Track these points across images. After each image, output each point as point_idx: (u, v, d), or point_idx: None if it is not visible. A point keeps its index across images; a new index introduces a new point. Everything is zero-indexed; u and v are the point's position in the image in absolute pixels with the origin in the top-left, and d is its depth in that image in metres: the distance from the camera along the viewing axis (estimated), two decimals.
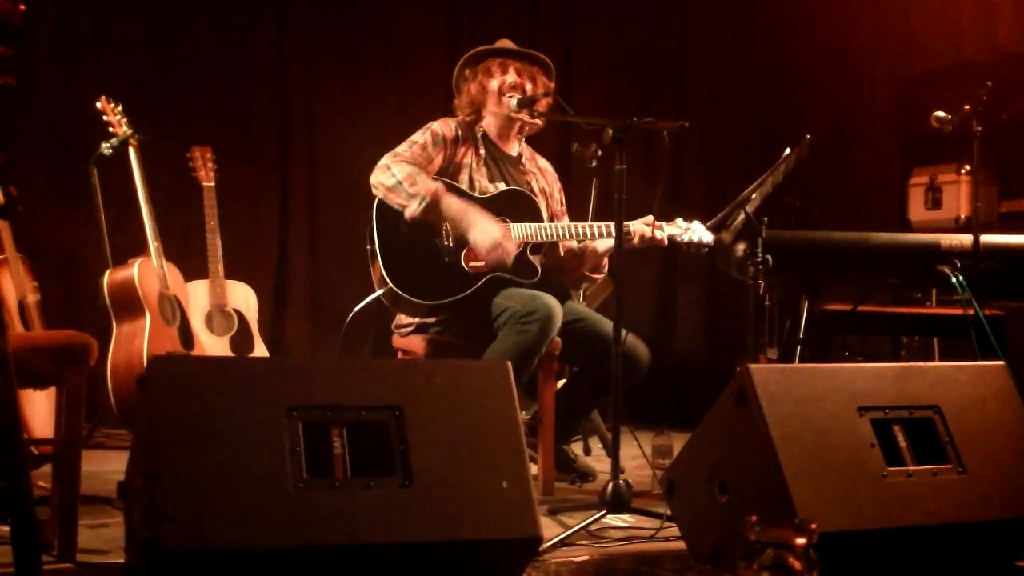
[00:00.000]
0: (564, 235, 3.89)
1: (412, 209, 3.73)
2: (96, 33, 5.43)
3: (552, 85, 4.05)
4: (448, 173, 3.91)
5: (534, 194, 4.00)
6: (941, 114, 4.20)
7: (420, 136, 3.91)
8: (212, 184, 4.73)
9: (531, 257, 3.89)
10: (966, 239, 4.04)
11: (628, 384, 3.70)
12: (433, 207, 3.73)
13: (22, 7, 2.22)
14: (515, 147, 4.10)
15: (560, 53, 6.31)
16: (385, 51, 6.00)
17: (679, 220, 3.94)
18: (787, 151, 3.73)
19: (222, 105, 5.68)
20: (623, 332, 3.32)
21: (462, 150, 3.95)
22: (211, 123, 5.55)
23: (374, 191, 3.80)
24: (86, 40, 5.42)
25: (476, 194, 3.89)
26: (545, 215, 3.99)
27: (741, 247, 3.75)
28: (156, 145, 4.66)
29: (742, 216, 3.68)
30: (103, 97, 4.46)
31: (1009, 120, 5.26)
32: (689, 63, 6.70)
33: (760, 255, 3.62)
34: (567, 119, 4.47)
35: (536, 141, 4.28)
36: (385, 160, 3.82)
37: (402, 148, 3.86)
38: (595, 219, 4.56)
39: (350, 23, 5.98)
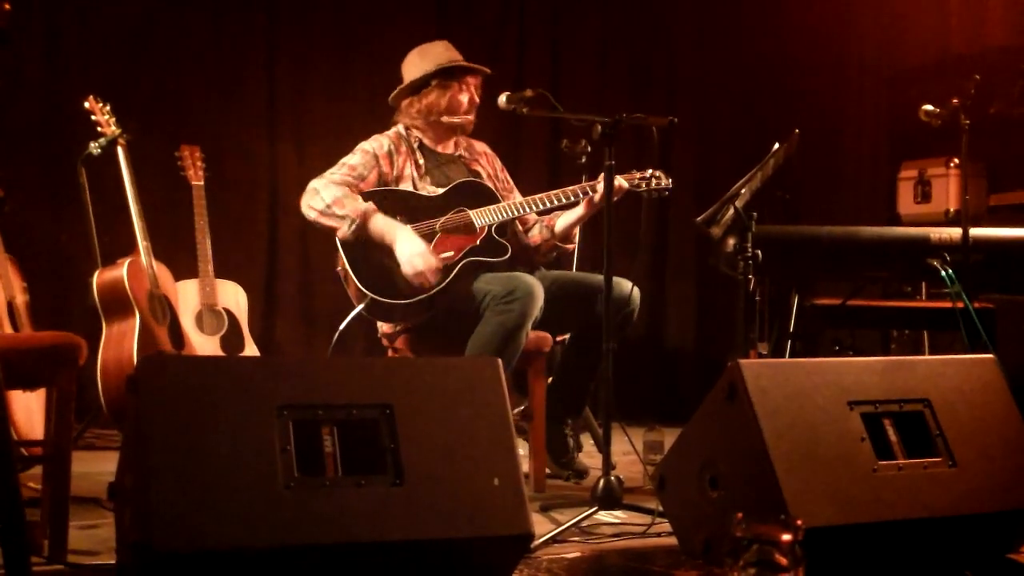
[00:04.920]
0: (524, 210, 3.90)
1: (343, 231, 3.77)
2: (84, 32, 5.41)
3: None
4: (389, 186, 3.94)
5: (482, 180, 4.02)
6: (929, 108, 4.21)
7: (351, 157, 3.94)
8: (201, 183, 4.72)
9: (498, 238, 3.89)
10: (955, 232, 4.05)
11: (624, 328, 3.76)
12: (361, 229, 3.77)
13: (7, 7, 2.21)
14: (450, 146, 4.12)
15: (549, 49, 6.32)
16: (374, 50, 5.98)
17: (634, 171, 3.94)
18: (776, 146, 3.73)
19: (211, 104, 5.66)
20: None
21: (400, 162, 3.96)
22: (200, 122, 5.54)
23: (306, 214, 3.84)
24: (74, 39, 5.40)
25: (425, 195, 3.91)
26: (499, 197, 4.01)
27: (731, 242, 3.76)
28: (145, 144, 4.65)
29: (731, 211, 3.68)
30: (91, 96, 4.45)
31: (997, 113, 5.29)
32: (678, 59, 6.70)
33: (750, 250, 3.62)
34: (556, 115, 4.46)
35: (525, 138, 4.28)
36: (313, 184, 3.86)
37: (331, 171, 3.90)
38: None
39: (339, 21, 5.97)
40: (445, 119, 4.02)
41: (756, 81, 6.64)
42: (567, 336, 4.14)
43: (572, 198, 3.90)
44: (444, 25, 6.12)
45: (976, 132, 4.17)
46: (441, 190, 3.93)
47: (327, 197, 3.80)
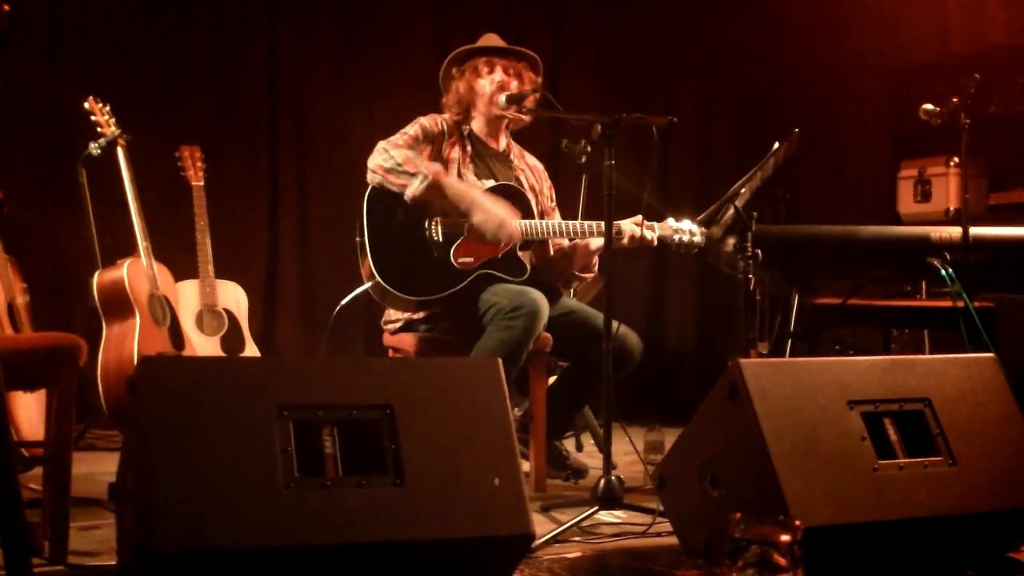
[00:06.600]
0: (556, 232, 3.88)
1: (414, 188, 3.73)
2: (83, 33, 5.41)
3: (539, 80, 4.04)
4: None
5: (524, 189, 4.00)
6: (930, 107, 4.20)
7: (410, 128, 3.93)
8: (201, 183, 4.72)
9: (520, 253, 3.88)
10: (955, 231, 4.05)
11: (620, 376, 3.71)
12: (434, 188, 3.73)
13: (7, 7, 2.21)
14: (502, 142, 4.09)
15: (549, 48, 6.31)
16: (374, 48, 5.99)
17: (670, 220, 3.94)
18: (776, 145, 3.73)
19: (211, 104, 5.66)
20: (614, 324, 3.32)
21: (448, 145, 3.95)
22: (200, 122, 5.54)
23: (372, 176, 3.79)
24: (73, 40, 5.39)
25: None
26: (535, 211, 3.98)
27: (731, 241, 3.75)
28: (144, 145, 4.65)
29: (731, 211, 3.68)
30: (91, 97, 4.46)
31: (997, 112, 5.29)
32: (678, 58, 6.70)
33: (750, 249, 3.62)
34: (556, 115, 4.47)
35: (525, 136, 4.27)
36: (382, 144, 3.83)
37: (395, 137, 3.87)
38: (584, 215, 4.56)
39: (339, 20, 5.97)
40: (482, 110, 3.99)
41: (756, 80, 6.64)
42: (563, 364, 4.15)
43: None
44: (444, 25, 6.13)
45: (976, 131, 4.17)
46: (480, 184, 3.91)
47: (398, 156, 3.77)
